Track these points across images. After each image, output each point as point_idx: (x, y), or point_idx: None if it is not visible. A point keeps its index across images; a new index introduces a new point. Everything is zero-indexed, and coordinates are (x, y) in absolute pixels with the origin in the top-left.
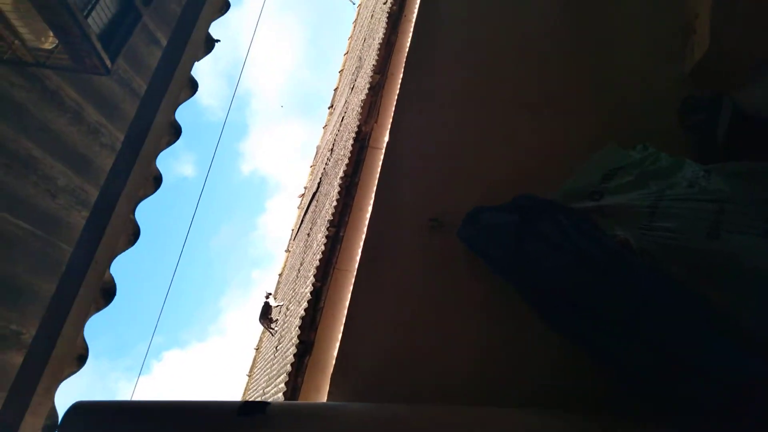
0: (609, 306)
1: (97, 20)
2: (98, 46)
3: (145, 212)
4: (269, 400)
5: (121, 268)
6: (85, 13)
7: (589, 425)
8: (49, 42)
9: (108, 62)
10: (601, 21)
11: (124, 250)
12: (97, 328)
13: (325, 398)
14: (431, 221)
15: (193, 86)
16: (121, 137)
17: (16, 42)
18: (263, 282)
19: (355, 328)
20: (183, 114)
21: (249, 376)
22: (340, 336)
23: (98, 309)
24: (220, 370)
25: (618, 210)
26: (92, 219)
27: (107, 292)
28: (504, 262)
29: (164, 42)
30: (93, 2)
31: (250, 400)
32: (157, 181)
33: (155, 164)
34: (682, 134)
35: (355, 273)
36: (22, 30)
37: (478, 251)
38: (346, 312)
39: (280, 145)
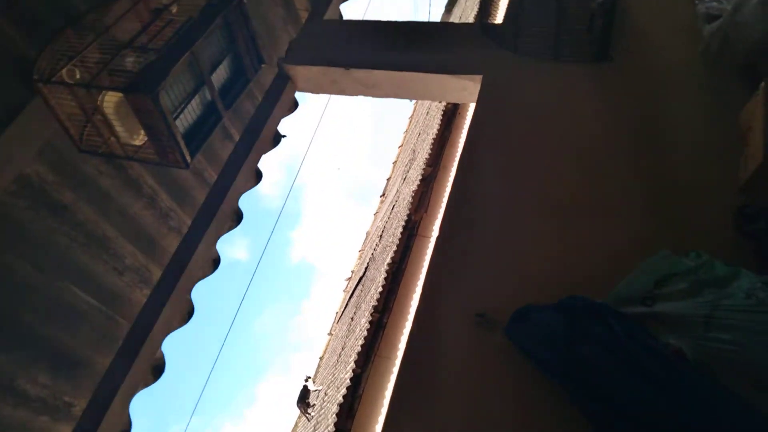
0: (661, 416)
1: (184, 121)
2: (182, 144)
3: (199, 299)
4: None
5: (171, 350)
6: (174, 116)
7: None
8: (140, 139)
9: (189, 158)
10: (658, 127)
11: (178, 328)
12: (137, 411)
13: None
14: (477, 317)
15: (258, 177)
16: (188, 221)
17: (112, 139)
18: (302, 365)
19: (396, 426)
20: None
21: None
22: (377, 427)
23: (146, 385)
24: None
25: (671, 317)
26: (153, 297)
27: (157, 369)
28: (553, 361)
29: (236, 137)
30: (182, 107)
31: None
32: (216, 263)
33: (215, 248)
34: (736, 244)
35: (397, 368)
36: (119, 128)
37: (525, 350)
38: (385, 408)
39: (329, 234)
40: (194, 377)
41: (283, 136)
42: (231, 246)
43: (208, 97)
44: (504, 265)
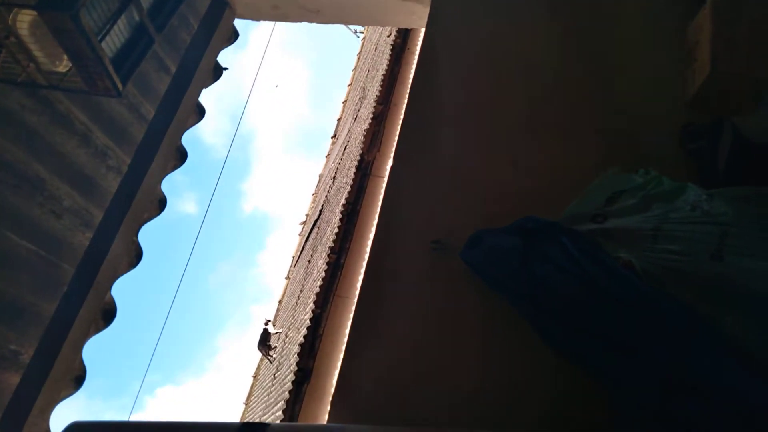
0: (613, 328)
1: (111, 44)
2: (111, 69)
3: (148, 249)
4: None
5: (122, 302)
6: (99, 38)
7: None
8: (63, 65)
9: (120, 85)
10: (605, 47)
11: (126, 272)
12: (93, 366)
13: (326, 422)
14: (433, 243)
15: (200, 112)
16: (128, 161)
17: (31, 65)
18: (262, 315)
19: (356, 351)
20: (188, 149)
21: (246, 404)
22: (339, 363)
23: (98, 330)
24: (216, 404)
25: (621, 232)
26: (96, 240)
27: (108, 314)
28: (508, 283)
29: (173, 69)
30: (108, 28)
31: (251, 422)
32: (161, 203)
33: (160, 187)
34: (683, 160)
35: (356, 297)
36: (38, 53)
37: (482, 273)
38: (346, 338)
39: (282, 180)
40: (154, 338)
41: (225, 69)
42: (180, 200)
43: (136, 17)
44: (459, 192)
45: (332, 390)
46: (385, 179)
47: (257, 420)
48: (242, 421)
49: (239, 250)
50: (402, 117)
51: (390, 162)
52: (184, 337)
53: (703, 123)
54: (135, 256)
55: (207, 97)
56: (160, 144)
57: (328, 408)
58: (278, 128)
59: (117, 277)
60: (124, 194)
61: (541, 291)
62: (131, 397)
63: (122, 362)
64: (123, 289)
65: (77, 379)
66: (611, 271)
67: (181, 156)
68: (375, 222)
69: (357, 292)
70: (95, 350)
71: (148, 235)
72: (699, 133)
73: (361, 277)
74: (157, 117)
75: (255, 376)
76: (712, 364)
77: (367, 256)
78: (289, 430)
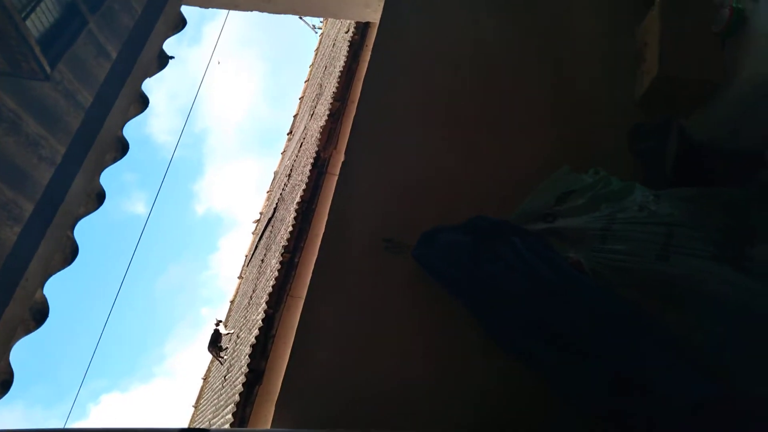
0: (562, 327)
1: (37, 24)
2: (37, 50)
3: (92, 249)
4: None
5: (63, 304)
6: (23, 15)
7: None
8: None
9: (47, 67)
10: (558, 44)
11: (60, 269)
12: (32, 372)
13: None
14: (384, 241)
15: (143, 101)
16: (63, 150)
17: None
18: (214, 317)
19: (302, 353)
20: (139, 148)
21: (195, 407)
22: (285, 365)
23: (28, 331)
24: (164, 409)
25: (571, 232)
26: (25, 233)
27: (39, 313)
28: (459, 282)
29: (114, 55)
30: (33, 4)
31: (190, 427)
32: (100, 197)
33: (98, 180)
34: (632, 160)
35: (304, 297)
36: None
37: (433, 272)
38: (293, 339)
39: (237, 180)
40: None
41: (171, 57)
42: (129, 200)
43: None
44: (411, 189)
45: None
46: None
47: (207, 423)
48: (190, 425)
49: (190, 253)
50: (354, 113)
51: (341, 158)
52: (131, 342)
53: (651, 123)
54: (70, 252)
55: (158, 94)
56: (99, 133)
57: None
58: (233, 126)
59: (49, 275)
60: (57, 186)
61: (492, 290)
62: (74, 405)
63: (65, 369)
64: (64, 293)
65: (4, 383)
66: (561, 271)
67: (122, 147)
68: (326, 217)
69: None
70: (35, 356)
71: (93, 236)
72: (647, 134)
73: (309, 277)
74: (95, 105)
75: (205, 378)
76: (658, 361)
77: (315, 255)
78: None
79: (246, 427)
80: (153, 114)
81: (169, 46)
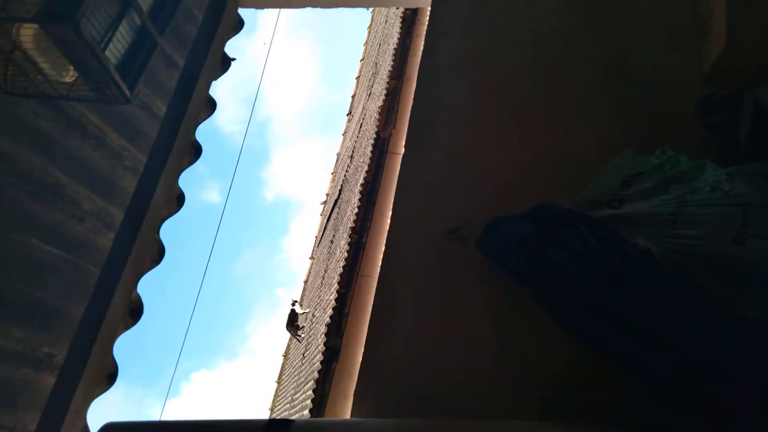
0: (632, 314)
1: (114, 51)
2: (116, 76)
3: (174, 239)
4: (293, 418)
5: (153, 294)
6: (102, 46)
7: None
8: (70, 75)
9: (127, 91)
10: (615, 20)
11: (150, 269)
12: (130, 356)
13: (350, 408)
14: (449, 233)
15: (211, 105)
16: (144, 159)
17: (39, 77)
18: (289, 297)
19: (376, 340)
20: (208, 141)
21: (278, 383)
22: (360, 356)
23: (127, 327)
24: (249, 385)
25: (639, 218)
26: (118, 240)
27: (135, 311)
28: (525, 271)
29: (181, 64)
30: (110, 35)
31: (276, 417)
32: (180, 200)
33: (178, 184)
34: (702, 135)
35: (373, 287)
36: (44, 65)
37: (499, 262)
38: (366, 330)
39: (302, 163)
40: (186, 325)
41: (232, 59)
42: (204, 191)
43: (137, 21)
44: (473, 177)
45: (355, 381)
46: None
47: (289, 398)
48: (274, 400)
49: (263, 238)
50: (412, 102)
51: (402, 137)
52: (215, 324)
53: (722, 94)
54: (158, 253)
55: (221, 87)
56: (174, 141)
57: (353, 397)
58: (294, 111)
59: (141, 275)
60: (142, 193)
61: (558, 278)
62: (168, 384)
63: (158, 351)
64: (153, 283)
65: (110, 376)
66: (629, 258)
67: (195, 151)
68: (391, 208)
69: (376, 279)
70: (132, 340)
71: (174, 228)
72: (718, 105)
73: (377, 271)
74: (169, 114)
75: (285, 356)
76: (733, 347)
77: (383, 235)
78: (313, 425)
79: (327, 401)
80: (218, 106)
81: (229, 42)
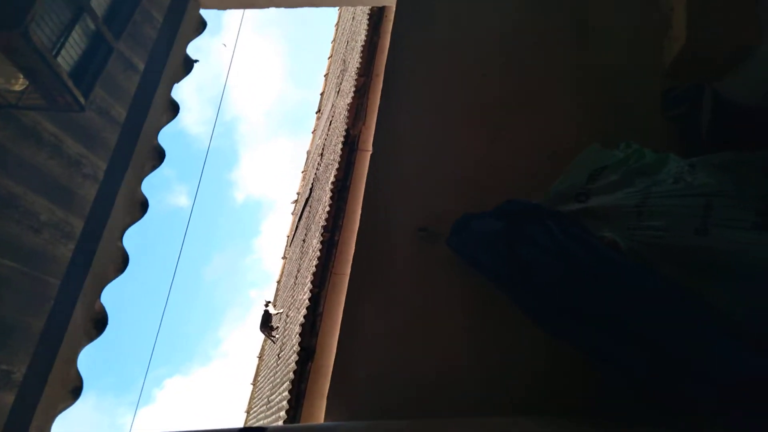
0: (601, 308)
1: (67, 58)
2: (70, 83)
3: (142, 245)
4: (265, 425)
5: (123, 302)
6: (54, 52)
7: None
8: (20, 84)
9: (81, 98)
10: (579, 15)
11: (113, 279)
12: (100, 366)
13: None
14: (420, 231)
15: (174, 108)
16: (104, 166)
17: None
18: (262, 298)
19: (348, 343)
20: (174, 143)
21: (253, 384)
22: (332, 361)
23: (91, 339)
24: (224, 389)
25: (605, 210)
26: (78, 250)
27: (99, 323)
28: (495, 268)
29: (142, 67)
30: (62, 41)
31: (252, 424)
32: (143, 206)
33: (140, 190)
34: (666, 128)
35: (346, 286)
36: None
37: (469, 259)
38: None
39: (272, 163)
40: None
41: (195, 61)
42: (171, 193)
43: (92, 26)
44: (442, 175)
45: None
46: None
47: (265, 400)
48: (249, 402)
49: (235, 240)
50: (378, 101)
51: (371, 134)
52: (188, 330)
53: (682, 88)
54: (121, 261)
55: (186, 89)
56: (135, 146)
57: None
58: (262, 110)
59: (105, 285)
60: (102, 201)
61: (528, 274)
62: (139, 393)
63: (130, 360)
64: (123, 291)
65: (74, 390)
66: (596, 252)
67: (158, 155)
68: (360, 207)
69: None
70: (103, 349)
71: (142, 233)
72: (680, 98)
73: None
74: (128, 119)
75: (260, 357)
76: (700, 338)
77: (354, 233)
78: (285, 431)
79: (303, 401)
80: (183, 108)
81: (193, 42)
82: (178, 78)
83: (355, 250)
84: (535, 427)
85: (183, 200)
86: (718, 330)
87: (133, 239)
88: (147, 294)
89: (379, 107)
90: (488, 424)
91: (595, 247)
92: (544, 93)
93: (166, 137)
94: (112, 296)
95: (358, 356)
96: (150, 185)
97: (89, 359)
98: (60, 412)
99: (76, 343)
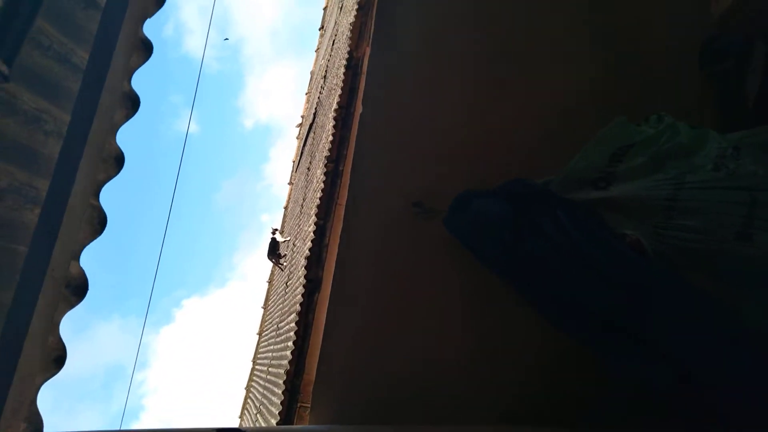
0: (616, 314)
1: None
2: None
3: (149, 176)
4: (242, 427)
5: (145, 232)
6: None
7: None
8: None
9: (3, 66)
10: None
11: (92, 240)
12: (125, 291)
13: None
14: (414, 206)
15: (146, 48)
16: (68, 120)
17: None
18: (271, 223)
19: (334, 333)
20: (176, 69)
21: (264, 308)
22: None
23: (71, 305)
24: (239, 310)
25: (629, 202)
26: (45, 214)
27: (78, 288)
28: (497, 259)
29: (103, 2)
30: None
31: (225, 427)
32: (118, 160)
33: (114, 142)
34: (702, 89)
35: (331, 280)
36: None
37: (469, 245)
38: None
39: (279, 86)
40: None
41: None
42: (180, 120)
43: None
44: (437, 144)
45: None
46: (356, 127)
47: (275, 326)
48: (261, 326)
49: (244, 167)
50: (366, 65)
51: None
52: (205, 255)
53: (728, 39)
54: (98, 221)
55: (188, 10)
56: (100, 94)
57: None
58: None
59: (81, 248)
60: (69, 159)
61: (535, 270)
62: (162, 313)
63: (149, 283)
64: (144, 221)
65: (57, 359)
66: (615, 254)
67: (132, 103)
68: (348, 176)
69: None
70: (125, 273)
71: (151, 155)
72: (724, 52)
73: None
74: (92, 63)
75: (270, 282)
76: (730, 358)
77: (339, 232)
78: None
79: (311, 331)
80: (187, 31)
81: None
82: (149, 12)
83: (343, 229)
84: None
85: (192, 126)
86: (752, 351)
87: (145, 170)
88: (163, 222)
89: (366, 73)
90: None
91: (614, 247)
92: (559, 44)
93: (168, 61)
94: (130, 225)
95: (343, 350)
96: (158, 113)
97: (113, 282)
98: (42, 383)
99: (52, 311)
